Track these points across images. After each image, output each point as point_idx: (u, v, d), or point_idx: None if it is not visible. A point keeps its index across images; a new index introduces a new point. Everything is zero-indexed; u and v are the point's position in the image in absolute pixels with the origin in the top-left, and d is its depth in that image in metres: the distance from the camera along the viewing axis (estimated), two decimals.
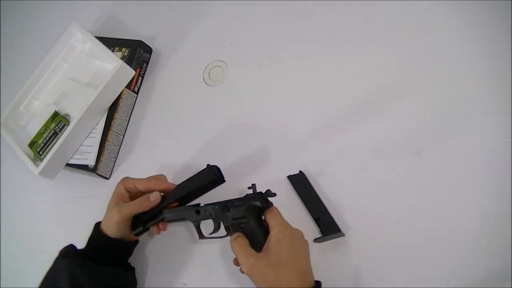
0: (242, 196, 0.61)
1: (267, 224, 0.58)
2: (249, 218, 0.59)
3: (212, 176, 0.62)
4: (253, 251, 0.56)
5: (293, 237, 0.56)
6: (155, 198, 0.64)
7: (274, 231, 0.56)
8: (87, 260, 0.62)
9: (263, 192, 0.59)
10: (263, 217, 0.60)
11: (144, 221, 0.65)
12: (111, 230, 0.64)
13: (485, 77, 0.66)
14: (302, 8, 0.82)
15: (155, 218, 0.65)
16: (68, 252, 0.64)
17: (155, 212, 0.65)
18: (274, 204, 0.60)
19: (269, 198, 0.60)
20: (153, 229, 0.67)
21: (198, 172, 0.64)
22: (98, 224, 0.67)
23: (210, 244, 0.69)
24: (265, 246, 0.56)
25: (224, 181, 0.64)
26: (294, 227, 0.58)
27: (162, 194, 0.65)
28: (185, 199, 0.66)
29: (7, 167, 0.92)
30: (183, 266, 0.70)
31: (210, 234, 0.64)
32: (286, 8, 0.83)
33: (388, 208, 0.63)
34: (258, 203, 0.59)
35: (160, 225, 0.67)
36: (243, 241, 0.58)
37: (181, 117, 0.82)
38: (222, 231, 0.63)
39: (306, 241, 0.58)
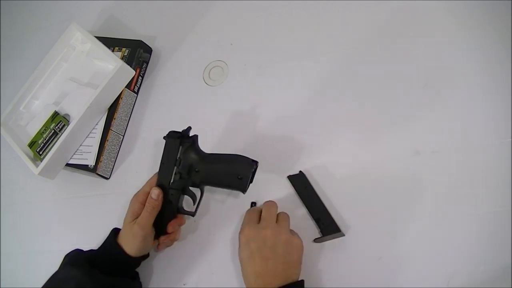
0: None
1: None
2: (189, 156, 0.63)
3: (174, 142, 0.64)
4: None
5: (246, 242, 0.60)
6: (156, 194, 0.64)
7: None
8: (95, 268, 0.61)
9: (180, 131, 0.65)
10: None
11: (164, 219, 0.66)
12: (135, 248, 0.63)
13: (484, 76, 0.66)
14: (303, 8, 0.82)
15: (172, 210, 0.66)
16: (77, 259, 0.64)
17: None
18: (273, 205, 0.62)
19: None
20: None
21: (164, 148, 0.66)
22: (115, 233, 0.66)
23: (210, 244, 0.69)
24: None
25: (188, 137, 0.66)
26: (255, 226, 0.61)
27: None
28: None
29: (7, 167, 0.92)
30: (183, 266, 0.70)
31: (195, 205, 0.66)
32: (287, 8, 0.83)
33: (388, 208, 0.63)
34: (179, 142, 0.64)
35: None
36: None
37: (181, 117, 0.82)
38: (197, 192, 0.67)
39: (275, 238, 0.59)
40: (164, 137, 0.66)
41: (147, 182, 0.68)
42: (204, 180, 0.65)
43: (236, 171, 0.63)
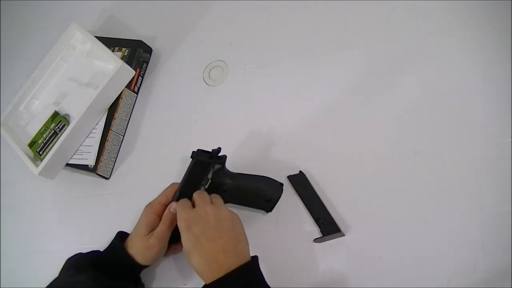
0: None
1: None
2: (219, 178, 0.64)
3: (203, 163, 0.63)
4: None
5: (187, 227, 0.56)
6: (175, 209, 0.62)
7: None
8: (99, 272, 0.61)
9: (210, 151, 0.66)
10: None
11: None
12: (149, 259, 0.63)
13: (485, 76, 0.66)
14: (303, 8, 0.82)
15: None
16: (80, 263, 0.63)
17: None
18: (202, 191, 0.63)
19: None
20: None
21: (188, 167, 0.66)
22: (121, 237, 0.65)
23: None
24: None
25: (219, 158, 0.66)
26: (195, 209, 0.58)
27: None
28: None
29: (7, 167, 0.92)
30: (183, 266, 0.70)
31: None
32: (287, 8, 0.83)
33: (388, 208, 0.63)
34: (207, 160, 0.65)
35: None
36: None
37: (181, 117, 0.82)
38: None
39: (216, 216, 0.56)
40: (192, 156, 0.65)
41: (162, 193, 0.67)
42: (230, 200, 0.65)
43: (264, 195, 0.65)
